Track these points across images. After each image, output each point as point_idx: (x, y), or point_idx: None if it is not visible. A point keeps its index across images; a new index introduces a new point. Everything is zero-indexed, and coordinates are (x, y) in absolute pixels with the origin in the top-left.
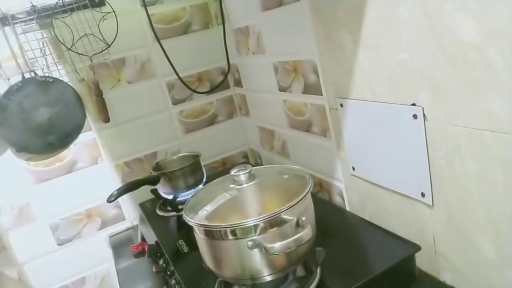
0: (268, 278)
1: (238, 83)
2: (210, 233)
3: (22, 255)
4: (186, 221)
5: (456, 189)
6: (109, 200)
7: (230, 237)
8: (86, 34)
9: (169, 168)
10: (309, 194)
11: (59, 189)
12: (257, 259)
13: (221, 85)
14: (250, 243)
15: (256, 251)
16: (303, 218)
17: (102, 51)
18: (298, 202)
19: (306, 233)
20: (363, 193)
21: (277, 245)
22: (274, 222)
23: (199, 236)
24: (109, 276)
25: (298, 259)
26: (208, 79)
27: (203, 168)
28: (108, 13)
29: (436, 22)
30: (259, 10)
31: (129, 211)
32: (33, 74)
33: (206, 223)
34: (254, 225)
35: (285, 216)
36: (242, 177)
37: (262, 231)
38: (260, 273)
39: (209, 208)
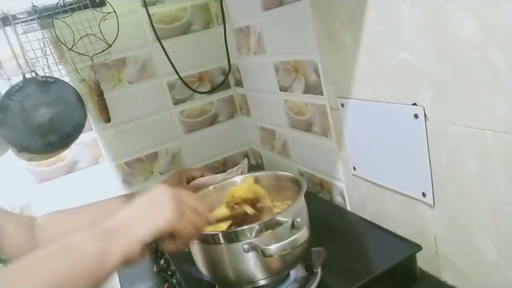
0: (263, 282)
1: (239, 83)
2: (204, 239)
3: None
4: None
5: (457, 188)
6: None
7: (225, 241)
8: (87, 34)
9: None
10: (302, 196)
11: (60, 189)
12: (252, 263)
13: (222, 85)
14: (245, 246)
15: (251, 254)
16: (298, 220)
17: (103, 51)
18: (293, 203)
19: (302, 235)
20: (364, 193)
21: (273, 247)
22: (270, 224)
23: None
24: None
25: (294, 261)
26: (209, 79)
27: None
28: (109, 13)
29: (437, 21)
30: (260, 10)
31: None
32: (34, 74)
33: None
34: (249, 227)
35: (280, 218)
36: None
37: (258, 234)
38: (255, 276)
39: None
